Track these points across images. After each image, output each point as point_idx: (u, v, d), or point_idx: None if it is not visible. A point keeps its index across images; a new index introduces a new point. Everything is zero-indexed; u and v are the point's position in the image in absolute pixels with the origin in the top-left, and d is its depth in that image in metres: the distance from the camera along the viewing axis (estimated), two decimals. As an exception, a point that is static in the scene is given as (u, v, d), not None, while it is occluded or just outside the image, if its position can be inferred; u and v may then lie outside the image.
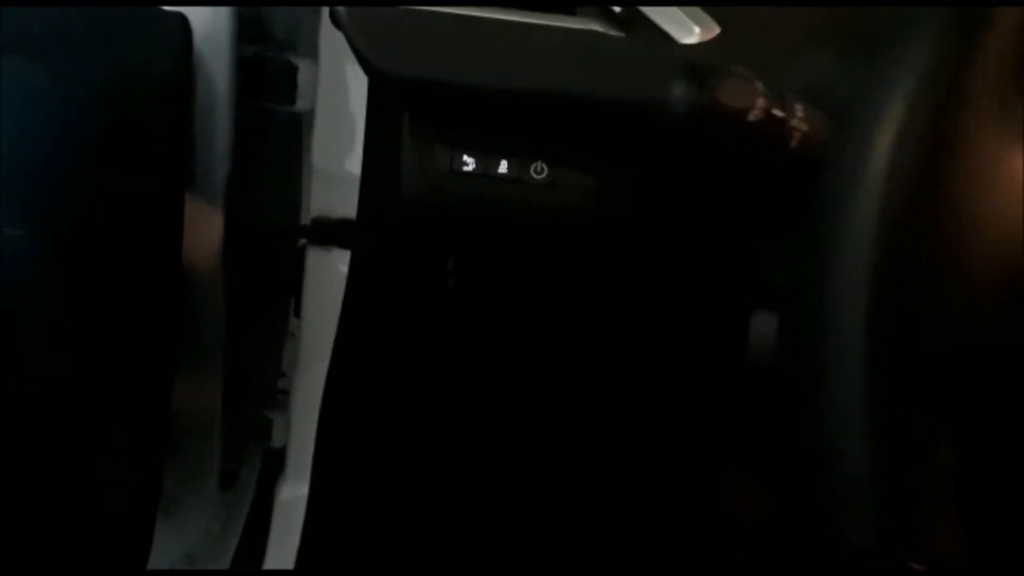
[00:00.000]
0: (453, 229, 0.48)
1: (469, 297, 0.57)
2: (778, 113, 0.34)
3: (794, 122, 0.35)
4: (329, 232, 0.59)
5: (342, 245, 0.60)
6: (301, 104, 0.58)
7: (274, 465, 0.68)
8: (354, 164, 0.59)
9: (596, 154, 0.43)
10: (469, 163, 0.42)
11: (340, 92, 0.59)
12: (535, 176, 0.42)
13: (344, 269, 0.60)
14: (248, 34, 0.53)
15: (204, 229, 0.51)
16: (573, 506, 0.66)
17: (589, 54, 0.39)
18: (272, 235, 0.60)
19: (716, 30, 0.40)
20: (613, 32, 0.40)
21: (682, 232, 0.44)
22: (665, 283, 0.52)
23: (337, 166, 0.60)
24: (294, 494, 0.66)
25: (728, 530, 0.61)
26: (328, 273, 0.61)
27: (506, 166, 0.42)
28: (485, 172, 0.42)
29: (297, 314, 0.65)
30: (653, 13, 0.40)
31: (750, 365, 0.40)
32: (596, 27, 0.40)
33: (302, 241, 0.61)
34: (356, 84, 0.59)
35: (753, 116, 0.34)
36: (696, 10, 0.40)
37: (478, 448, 0.64)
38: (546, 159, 0.42)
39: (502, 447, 0.65)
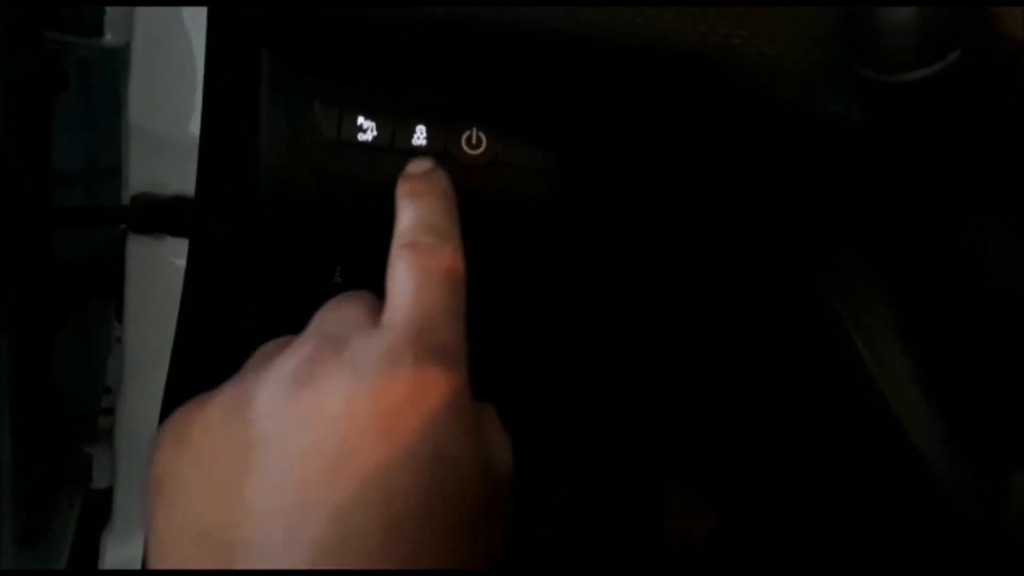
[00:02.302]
0: (340, 223, 0.33)
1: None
2: None
3: None
4: (156, 215, 0.44)
5: (175, 232, 0.44)
6: (111, 37, 0.45)
7: (99, 511, 0.57)
8: (190, 122, 0.45)
9: (564, 120, 0.29)
10: (367, 129, 0.30)
11: (168, 19, 0.45)
12: (468, 150, 0.29)
13: (180, 263, 0.45)
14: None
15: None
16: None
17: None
18: (79, 221, 0.45)
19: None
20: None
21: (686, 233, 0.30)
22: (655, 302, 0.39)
23: (166, 125, 0.45)
24: (124, 555, 0.56)
25: (668, 553, 0.54)
26: (157, 268, 0.48)
27: (424, 134, 0.30)
28: (391, 143, 0.30)
29: (120, 318, 0.53)
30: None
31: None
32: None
33: (123, 227, 0.48)
34: (191, 8, 0.45)
35: None
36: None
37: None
38: (485, 127, 0.28)
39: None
